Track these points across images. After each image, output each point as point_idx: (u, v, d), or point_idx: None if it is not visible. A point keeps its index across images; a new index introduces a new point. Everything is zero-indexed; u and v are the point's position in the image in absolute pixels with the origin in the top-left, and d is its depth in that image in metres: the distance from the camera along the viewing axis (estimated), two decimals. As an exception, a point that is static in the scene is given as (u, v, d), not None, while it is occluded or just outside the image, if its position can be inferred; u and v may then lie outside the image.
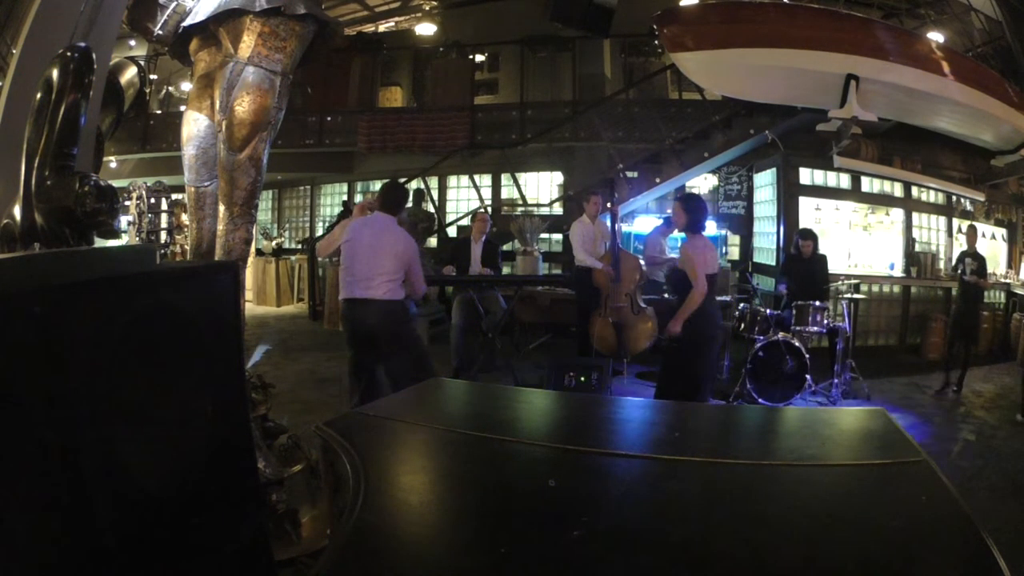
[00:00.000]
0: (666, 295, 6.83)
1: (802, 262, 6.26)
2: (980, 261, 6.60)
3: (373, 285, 3.98)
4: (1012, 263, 8.97)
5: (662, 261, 7.41)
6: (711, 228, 9.22)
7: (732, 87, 7.33)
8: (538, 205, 10.69)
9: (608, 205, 6.50)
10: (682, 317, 4.23)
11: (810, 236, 6.37)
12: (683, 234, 4.57)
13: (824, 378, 5.95)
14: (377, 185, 12.58)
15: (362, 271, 4.01)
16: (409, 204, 10.08)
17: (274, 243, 12.62)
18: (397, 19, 13.65)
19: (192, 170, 2.93)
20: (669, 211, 9.09)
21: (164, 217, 7.33)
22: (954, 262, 7.12)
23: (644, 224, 9.17)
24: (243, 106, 2.67)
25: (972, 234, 6.92)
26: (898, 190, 8.71)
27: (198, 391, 1.76)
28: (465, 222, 10.29)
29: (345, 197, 12.65)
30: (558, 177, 11.02)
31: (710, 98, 8.89)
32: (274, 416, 3.43)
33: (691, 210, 4.38)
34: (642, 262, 6.06)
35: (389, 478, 1.65)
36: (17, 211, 2.05)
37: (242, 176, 2.73)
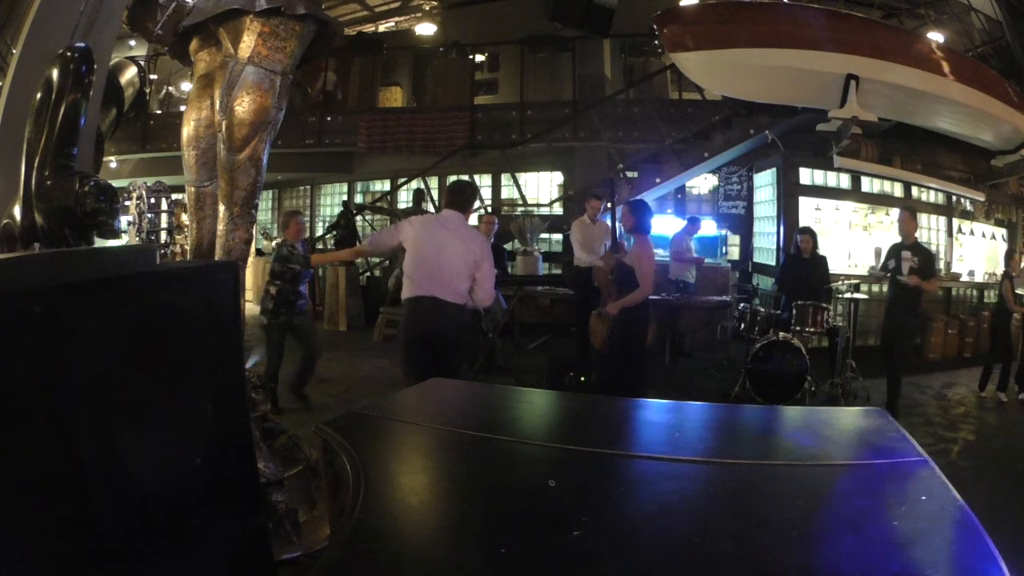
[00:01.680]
0: (664, 295, 6.85)
1: (802, 262, 6.25)
2: (924, 256, 5.35)
3: (440, 287, 3.69)
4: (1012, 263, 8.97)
5: (688, 260, 7.45)
6: (711, 228, 9.25)
7: (732, 87, 7.34)
8: (538, 205, 10.69)
9: (608, 205, 6.51)
10: (622, 304, 4.60)
11: (808, 232, 6.36)
12: (630, 235, 4.92)
13: (824, 378, 5.95)
14: (377, 185, 12.61)
15: (429, 272, 3.71)
16: (409, 204, 10.14)
17: (274, 243, 12.60)
18: (397, 19, 13.66)
19: (192, 170, 2.93)
20: (663, 211, 9.12)
21: (164, 217, 7.35)
22: (883, 256, 5.80)
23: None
24: (243, 106, 2.67)
25: (909, 221, 5.66)
26: (898, 190, 8.71)
27: (198, 391, 1.76)
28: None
29: (345, 197, 12.65)
30: (558, 177, 11.02)
31: (710, 98, 8.89)
32: (274, 416, 3.44)
33: (639, 214, 4.73)
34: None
35: (389, 478, 1.65)
36: (17, 211, 2.05)
37: (242, 176, 2.73)
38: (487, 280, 3.74)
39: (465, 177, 11.27)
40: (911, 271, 5.22)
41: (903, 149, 8.21)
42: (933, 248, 8.79)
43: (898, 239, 5.75)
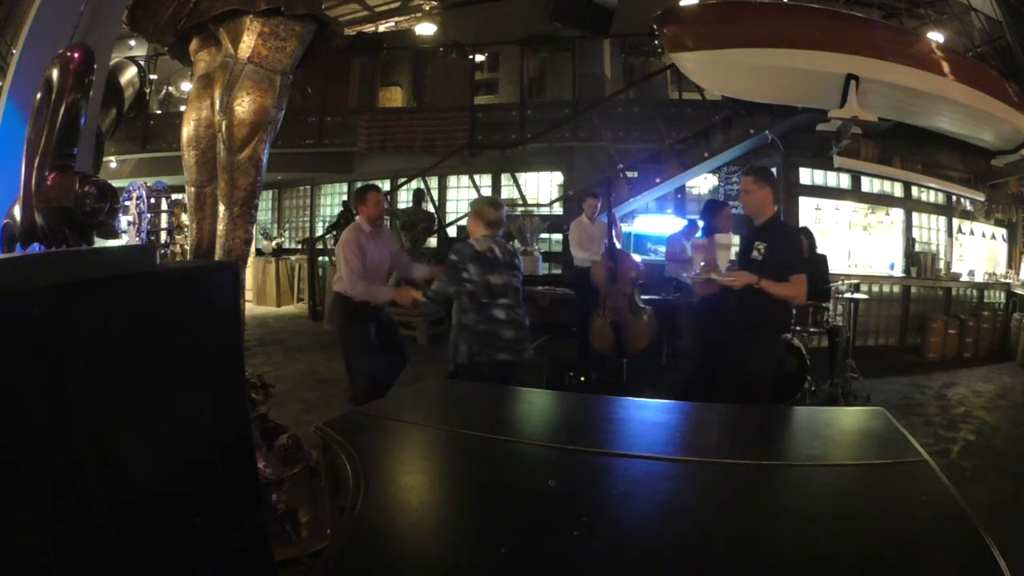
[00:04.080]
0: (664, 295, 6.84)
1: (802, 262, 6.25)
2: (777, 243, 3.41)
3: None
4: (1012, 263, 8.97)
5: (684, 260, 7.46)
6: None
7: (732, 87, 7.33)
8: (538, 205, 10.69)
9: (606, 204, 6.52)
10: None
11: (804, 233, 6.37)
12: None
13: (824, 378, 5.95)
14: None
15: None
16: (409, 204, 10.14)
17: (274, 243, 12.62)
18: (397, 19, 13.65)
19: (192, 170, 2.93)
20: (663, 214, 9.12)
21: (164, 217, 7.34)
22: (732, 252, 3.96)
23: (644, 224, 9.19)
24: (243, 106, 2.67)
25: (752, 190, 3.57)
26: (898, 190, 8.71)
27: (198, 391, 1.76)
28: (465, 222, 10.28)
29: (345, 197, 12.64)
30: (558, 177, 11.02)
31: (710, 98, 8.88)
32: (274, 416, 3.43)
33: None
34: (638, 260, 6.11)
35: (389, 478, 1.65)
36: (17, 211, 2.05)
37: (242, 176, 2.73)
38: (344, 271, 4.38)
39: (464, 177, 11.29)
40: (754, 265, 3.30)
41: (903, 149, 8.21)
42: (933, 247, 8.79)
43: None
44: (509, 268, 3.67)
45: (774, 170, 8.69)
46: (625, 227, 8.48)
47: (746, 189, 3.68)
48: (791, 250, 3.46)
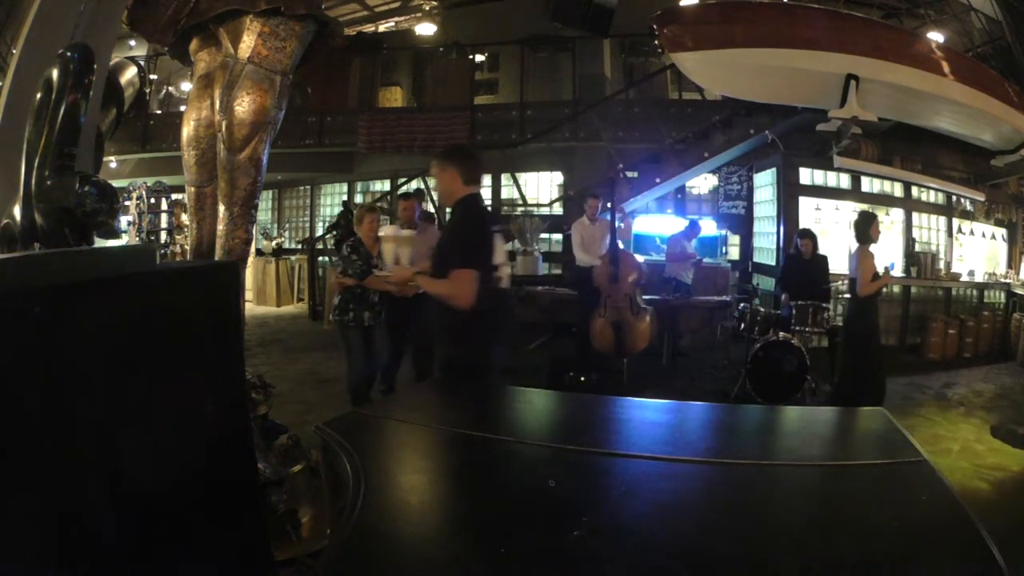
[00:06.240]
0: (664, 295, 6.84)
1: (802, 262, 6.27)
2: (455, 230, 2.88)
3: None
4: (1012, 263, 8.97)
5: (685, 258, 7.47)
6: (711, 228, 9.24)
7: (732, 87, 7.33)
8: (538, 205, 10.69)
9: (608, 205, 6.51)
10: None
11: (809, 235, 6.38)
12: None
13: (824, 378, 5.95)
14: (377, 185, 12.61)
15: None
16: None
17: (274, 243, 12.62)
18: (397, 19, 13.65)
19: (192, 170, 2.93)
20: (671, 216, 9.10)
21: (164, 217, 7.36)
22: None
23: (644, 224, 9.18)
24: (243, 106, 2.67)
25: (440, 172, 2.80)
26: (898, 190, 8.71)
27: (198, 391, 1.76)
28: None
29: (345, 197, 12.65)
30: (558, 177, 11.02)
31: (710, 98, 8.89)
32: (274, 416, 3.43)
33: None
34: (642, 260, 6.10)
35: (389, 478, 1.65)
36: (17, 211, 2.05)
37: (242, 176, 2.73)
38: None
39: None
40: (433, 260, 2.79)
41: (903, 149, 8.21)
42: (933, 247, 8.78)
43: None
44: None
45: (774, 170, 8.69)
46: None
47: (433, 174, 2.97)
48: (459, 240, 2.68)
